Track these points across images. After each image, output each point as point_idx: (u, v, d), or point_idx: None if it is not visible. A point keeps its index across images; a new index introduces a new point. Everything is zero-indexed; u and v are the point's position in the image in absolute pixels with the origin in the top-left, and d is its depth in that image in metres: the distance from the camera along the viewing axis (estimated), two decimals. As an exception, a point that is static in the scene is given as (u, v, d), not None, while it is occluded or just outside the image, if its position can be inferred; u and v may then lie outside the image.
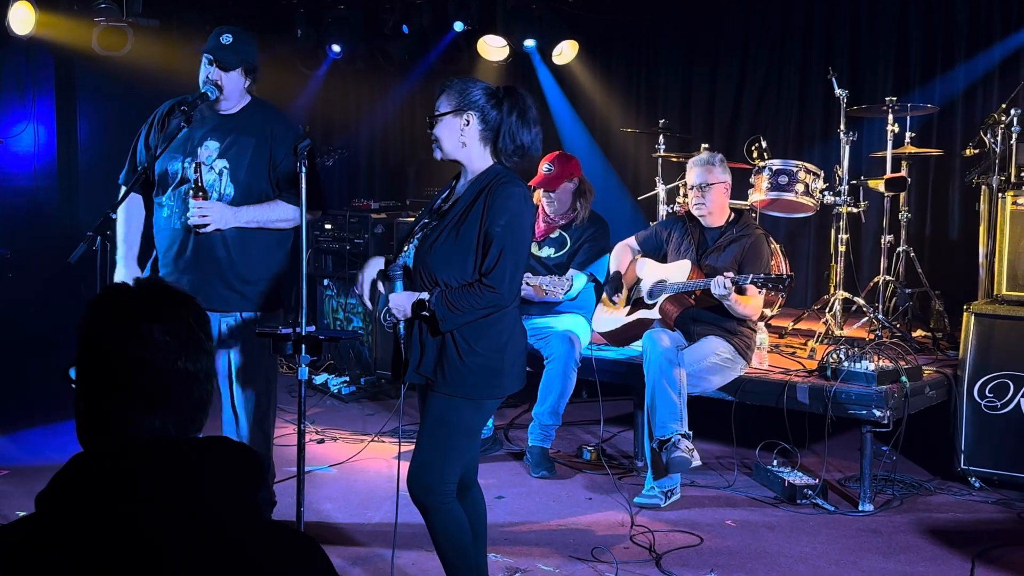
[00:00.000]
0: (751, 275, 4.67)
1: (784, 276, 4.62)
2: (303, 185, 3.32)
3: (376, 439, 5.96)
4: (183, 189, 4.02)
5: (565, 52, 8.02)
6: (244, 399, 4.14)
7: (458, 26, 7.74)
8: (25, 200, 8.14)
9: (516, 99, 3.33)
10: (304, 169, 3.31)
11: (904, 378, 4.86)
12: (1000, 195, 5.21)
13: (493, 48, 8.09)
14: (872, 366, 4.86)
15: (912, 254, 6.13)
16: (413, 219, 6.98)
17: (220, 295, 4.06)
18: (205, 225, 3.92)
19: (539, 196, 5.49)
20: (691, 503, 4.92)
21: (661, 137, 6.67)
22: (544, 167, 5.46)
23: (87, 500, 1.41)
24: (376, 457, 5.68)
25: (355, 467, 5.51)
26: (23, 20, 7.17)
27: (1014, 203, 5.15)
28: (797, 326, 6.24)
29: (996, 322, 5.13)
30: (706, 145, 6.42)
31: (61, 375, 2.25)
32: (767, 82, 7.79)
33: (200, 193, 3.90)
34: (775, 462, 5.20)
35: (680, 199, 6.35)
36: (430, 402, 3.33)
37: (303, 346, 3.24)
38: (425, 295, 3.22)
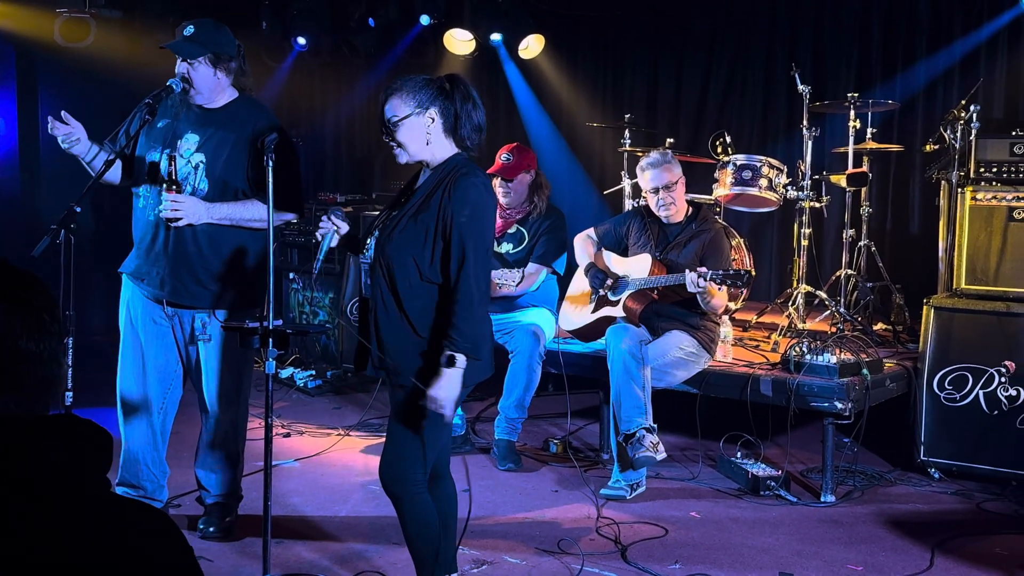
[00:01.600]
0: (710, 271, 4.70)
1: (743, 272, 4.66)
2: (269, 179, 3.30)
3: (344, 433, 5.96)
4: (157, 181, 4.01)
5: (531, 46, 8.04)
6: (216, 396, 4.14)
7: (424, 19, 7.74)
8: (-14, 192, 8.06)
9: (460, 85, 3.37)
10: (271, 163, 3.30)
11: (865, 371, 4.93)
12: (960, 191, 5.29)
13: (459, 42, 8.09)
14: (834, 359, 4.92)
15: (873, 248, 6.21)
16: (378, 213, 7.01)
17: (190, 290, 4.06)
18: (177, 219, 3.91)
19: (496, 187, 5.48)
20: (656, 495, 4.96)
21: (627, 132, 6.70)
22: (502, 156, 5.49)
23: None
24: (343, 450, 5.68)
25: (322, 460, 5.50)
26: (-17, 11, 7.11)
27: (973, 198, 5.23)
28: (760, 319, 6.31)
29: (955, 315, 5.22)
30: (671, 140, 6.45)
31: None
32: (732, 77, 7.85)
33: (173, 186, 3.89)
34: (739, 454, 5.26)
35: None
36: (396, 393, 3.34)
37: (270, 340, 3.23)
38: (445, 359, 3.20)
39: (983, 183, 5.23)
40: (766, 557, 4.24)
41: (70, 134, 3.91)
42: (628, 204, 6.55)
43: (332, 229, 3.43)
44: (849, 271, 6.01)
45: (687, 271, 4.71)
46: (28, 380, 1.50)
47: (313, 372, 7.16)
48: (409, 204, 3.34)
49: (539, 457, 5.59)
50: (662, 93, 8.14)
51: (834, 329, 5.83)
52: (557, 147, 7.94)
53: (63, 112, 3.95)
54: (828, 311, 6.00)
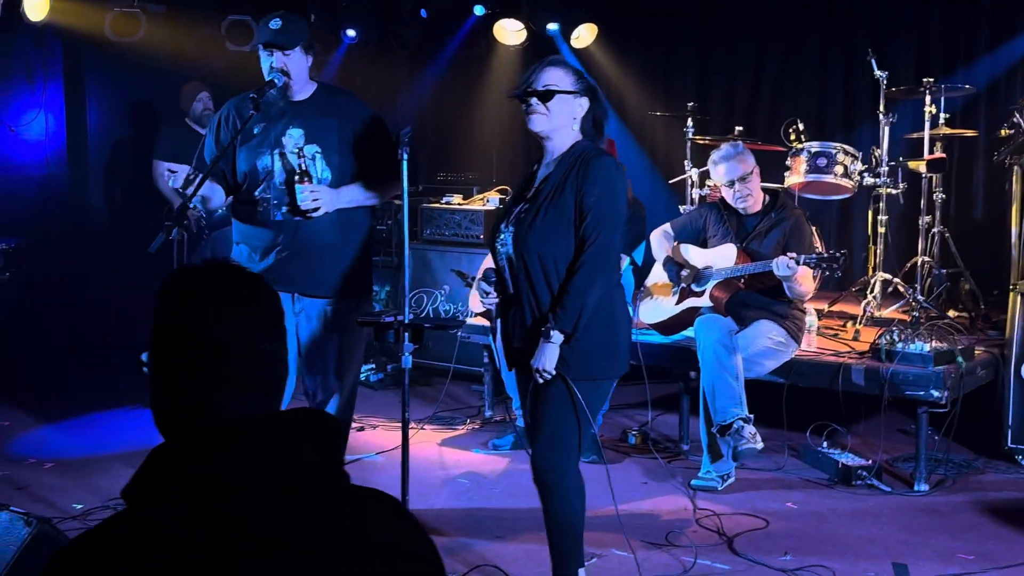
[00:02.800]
0: (803, 255, 4.65)
1: (839, 254, 4.61)
2: (405, 173, 3.28)
3: (419, 427, 5.93)
4: (277, 181, 3.98)
5: (583, 35, 7.98)
6: (334, 382, 4.12)
7: (479, 10, 7.68)
8: (36, 189, 8.01)
9: (600, 93, 3.44)
10: (406, 156, 3.27)
11: (960, 358, 4.88)
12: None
13: (510, 32, 8.03)
14: (927, 347, 4.87)
15: (947, 235, 6.16)
16: (449, 205, 6.99)
17: (323, 281, 4.07)
18: (316, 209, 3.88)
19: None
20: (747, 486, 4.92)
21: (690, 120, 6.65)
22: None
23: (176, 490, 1.36)
24: (420, 443, 5.65)
25: (396, 455, 5.45)
26: (37, 6, 7.05)
27: (1059, 183, 5.17)
28: (833, 308, 6.25)
29: (1043, 301, 5.17)
30: (740, 128, 6.40)
31: (135, 362, 2.20)
32: (786, 63, 7.79)
33: (306, 178, 3.87)
34: (824, 444, 5.22)
35: (711, 182, 6.34)
36: (550, 388, 3.30)
37: (406, 334, 3.20)
38: (543, 330, 3.22)
39: (1066, 166, 5.17)
40: (874, 548, 4.20)
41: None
42: (694, 193, 6.49)
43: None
44: (925, 258, 5.96)
45: (781, 256, 4.65)
46: (264, 382, 1.49)
47: (374, 366, 7.12)
48: (543, 194, 3.31)
49: (619, 449, 5.55)
50: (715, 81, 8.08)
51: (910, 317, 5.78)
52: (619, 137, 7.86)
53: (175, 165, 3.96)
54: (903, 299, 5.95)
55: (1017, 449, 5.19)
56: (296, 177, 3.93)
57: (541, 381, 3.26)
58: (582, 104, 3.33)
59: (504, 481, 5.04)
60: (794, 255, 4.64)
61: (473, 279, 6.52)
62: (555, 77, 3.28)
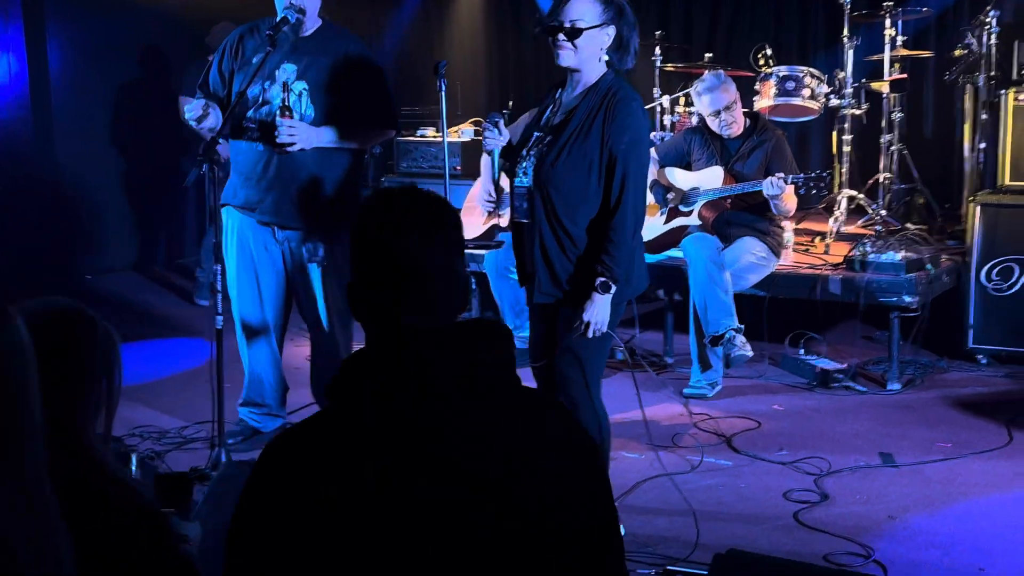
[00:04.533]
0: (791, 175, 4.95)
1: (824, 174, 4.93)
2: (443, 102, 3.47)
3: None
4: (264, 111, 4.11)
5: (545, -34, 8.12)
6: (331, 315, 4.30)
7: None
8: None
9: (629, 8, 3.41)
10: (444, 87, 3.45)
11: (929, 266, 5.25)
12: (1003, 93, 5.57)
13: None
14: (899, 256, 5.23)
15: (904, 152, 6.51)
16: (425, 138, 7.12)
17: (302, 213, 4.19)
18: (292, 143, 4.02)
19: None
20: (734, 392, 5.26)
21: (657, 48, 6.87)
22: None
23: (370, 390, 1.54)
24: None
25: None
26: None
27: (1016, 99, 5.52)
28: (799, 225, 6.58)
29: (1000, 210, 5.55)
30: (709, 55, 6.63)
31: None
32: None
33: (287, 112, 4.01)
34: (801, 352, 5.57)
35: (680, 109, 6.60)
36: (565, 315, 3.44)
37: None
38: (599, 284, 3.33)
39: (1024, 84, 5.52)
40: (860, 441, 4.56)
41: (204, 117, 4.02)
42: (665, 120, 6.73)
43: (501, 142, 3.54)
44: (887, 175, 6.30)
45: (771, 176, 4.94)
46: (451, 298, 1.64)
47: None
48: (568, 130, 3.37)
49: (609, 364, 5.80)
50: (675, 11, 8.28)
51: (873, 231, 6.12)
52: None
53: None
54: (868, 214, 6.29)
55: (978, 349, 5.59)
56: (279, 111, 4.06)
57: (591, 335, 3.36)
58: (609, 33, 3.34)
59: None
60: (782, 175, 4.93)
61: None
62: (581, 11, 3.29)
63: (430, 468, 1.50)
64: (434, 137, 7.24)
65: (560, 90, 3.55)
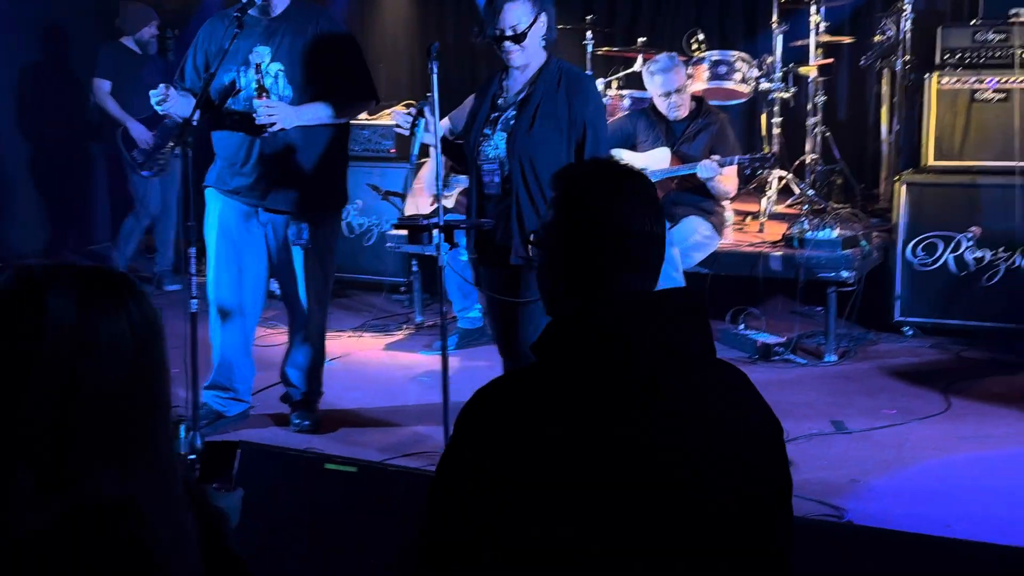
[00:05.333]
0: (738, 157, 5.14)
1: (768, 155, 5.13)
2: (435, 87, 3.52)
3: (357, 335, 6.18)
4: (242, 96, 4.10)
5: (470, -50, 8.16)
6: (311, 297, 4.32)
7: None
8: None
9: None
10: (436, 69, 3.51)
11: (863, 242, 5.50)
12: (926, 77, 5.85)
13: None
14: (835, 233, 5.46)
15: (828, 134, 6.77)
16: (358, 120, 7.07)
17: (288, 195, 4.20)
18: (272, 124, 4.02)
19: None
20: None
21: (589, 33, 6.98)
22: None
23: (579, 349, 1.64)
24: (366, 350, 5.91)
25: (354, 360, 5.71)
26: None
27: (939, 83, 5.80)
28: (732, 206, 6.79)
29: (925, 189, 5.83)
30: (643, 39, 6.78)
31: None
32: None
33: (264, 93, 4.00)
34: (741, 327, 5.78)
35: (612, 92, 6.73)
36: (530, 278, 3.58)
37: (442, 234, 3.47)
38: None
39: (947, 68, 5.80)
40: (809, 409, 4.77)
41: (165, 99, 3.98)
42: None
43: (422, 121, 3.77)
44: (813, 155, 6.55)
45: (709, 158, 5.12)
46: (653, 261, 1.75)
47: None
48: (531, 104, 3.63)
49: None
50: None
51: (799, 210, 6.37)
52: None
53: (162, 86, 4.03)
54: (795, 194, 6.54)
55: (904, 321, 5.88)
56: (255, 93, 4.06)
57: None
58: (543, 21, 3.64)
59: (463, 376, 5.34)
60: (717, 157, 5.12)
61: (388, 192, 6.75)
62: (517, 15, 3.56)
63: (641, 425, 1.59)
64: (367, 120, 7.22)
65: (503, 75, 3.78)
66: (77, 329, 1.35)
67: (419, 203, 6.22)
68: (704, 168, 5.14)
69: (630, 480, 1.56)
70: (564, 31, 7.90)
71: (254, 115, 4.03)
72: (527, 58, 3.63)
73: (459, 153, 3.91)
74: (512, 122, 3.66)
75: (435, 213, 5.85)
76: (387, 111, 7.34)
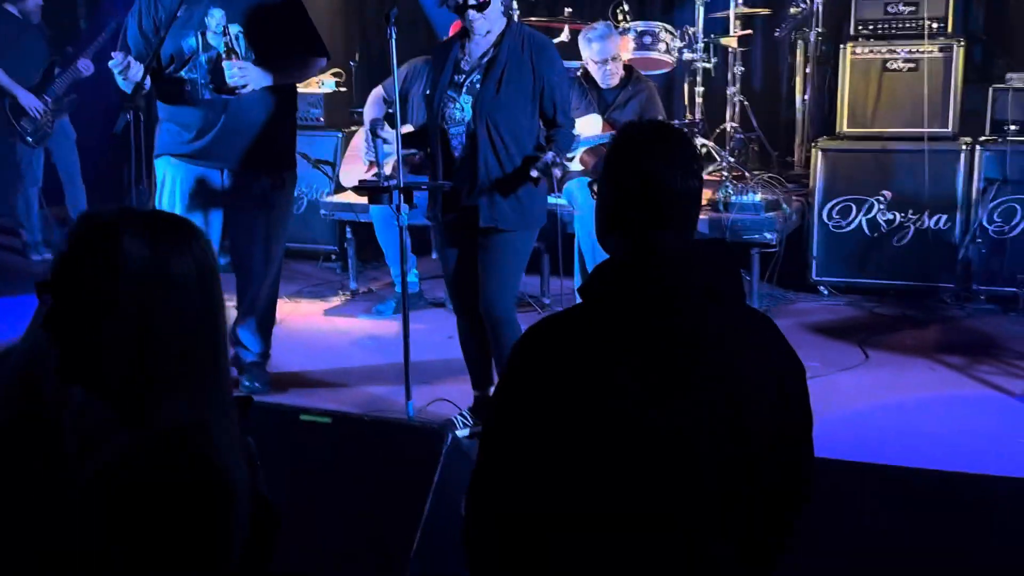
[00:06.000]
0: (674, 123, 5.35)
1: (698, 121, 5.34)
2: (393, 53, 3.62)
3: (295, 301, 6.25)
4: (203, 59, 4.14)
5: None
6: (266, 258, 4.40)
7: None
8: None
9: None
10: (394, 34, 3.61)
11: (784, 206, 5.78)
12: (842, 47, 6.14)
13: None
14: (759, 197, 5.72)
15: (745, 103, 7.04)
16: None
17: (252, 156, 4.28)
18: (244, 85, 4.08)
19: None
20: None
21: (515, 2, 7.10)
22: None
23: (623, 291, 1.81)
24: (305, 315, 5.99)
25: (295, 325, 5.78)
26: None
27: (853, 53, 6.09)
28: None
29: (839, 155, 6.15)
30: (569, 10, 6.94)
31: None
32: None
33: (233, 55, 4.05)
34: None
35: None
36: (500, 240, 3.82)
37: (401, 196, 3.60)
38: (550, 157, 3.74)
39: (860, 39, 6.10)
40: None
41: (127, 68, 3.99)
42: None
43: (379, 141, 4.01)
44: (733, 124, 6.81)
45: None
46: (691, 216, 1.91)
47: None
48: (497, 67, 3.77)
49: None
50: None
51: (720, 177, 6.62)
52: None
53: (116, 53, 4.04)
54: (716, 160, 6.79)
55: (820, 281, 6.20)
56: (223, 54, 4.12)
57: (557, 172, 3.77)
58: None
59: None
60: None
61: (318, 161, 6.81)
62: None
63: (684, 359, 1.76)
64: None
65: (461, 42, 3.91)
66: (150, 267, 1.46)
67: (353, 171, 6.30)
68: None
69: (674, 407, 1.73)
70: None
71: (227, 76, 4.06)
72: (490, 25, 3.77)
73: (420, 137, 4.05)
74: (478, 86, 3.80)
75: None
76: (315, 79, 7.38)
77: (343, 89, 7.50)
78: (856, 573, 2.91)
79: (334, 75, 7.35)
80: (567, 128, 3.93)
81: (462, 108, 3.81)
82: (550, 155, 3.74)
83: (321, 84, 7.26)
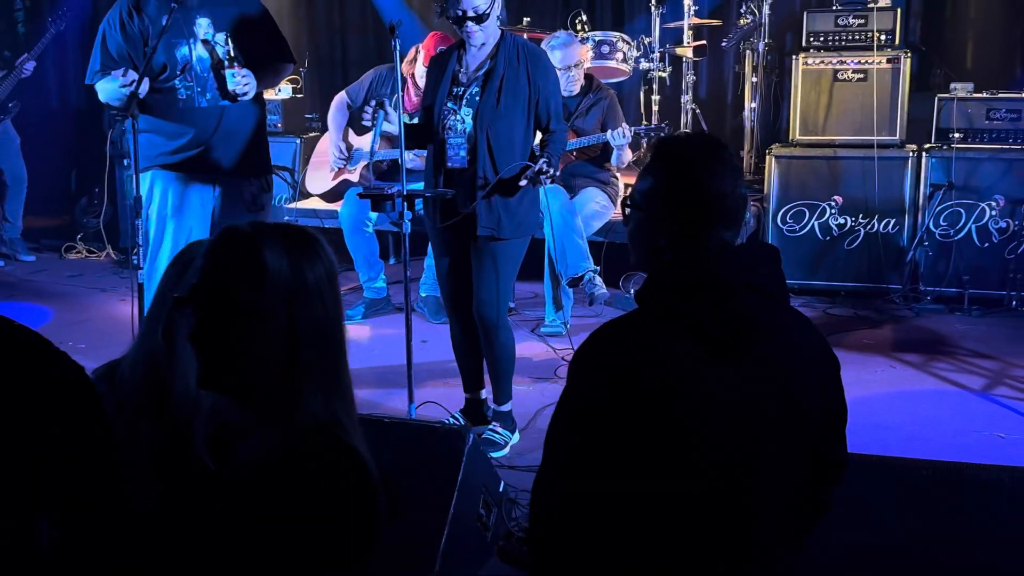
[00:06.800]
0: (635, 127, 5.51)
1: (664, 125, 5.52)
2: (397, 64, 3.70)
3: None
4: (199, 68, 4.18)
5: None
6: None
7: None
8: None
9: None
10: (397, 45, 3.68)
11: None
12: (794, 58, 6.38)
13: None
14: (720, 202, 5.90)
15: (698, 111, 7.24)
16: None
17: (244, 162, 4.32)
18: (246, 93, 4.13)
19: (414, 71, 5.89)
20: (584, 329, 5.76)
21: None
22: (440, 48, 5.87)
23: (681, 292, 1.91)
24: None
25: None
26: None
27: (805, 63, 6.33)
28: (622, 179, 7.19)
29: (792, 161, 6.38)
30: (527, 19, 7.07)
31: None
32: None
33: (236, 63, 4.09)
34: (632, 291, 6.17)
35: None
36: (495, 247, 3.92)
37: (404, 203, 3.67)
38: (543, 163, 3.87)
39: (812, 50, 6.34)
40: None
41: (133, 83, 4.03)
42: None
43: (381, 113, 4.01)
44: (687, 131, 7.00)
45: (620, 127, 5.48)
46: (741, 217, 2.02)
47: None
48: (495, 80, 3.88)
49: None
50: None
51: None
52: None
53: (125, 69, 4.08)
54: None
55: (775, 283, 6.41)
56: (226, 63, 4.17)
57: (546, 181, 3.89)
58: (497, 3, 3.90)
59: (379, 344, 5.56)
60: (626, 126, 5.48)
61: (277, 167, 6.84)
62: (475, 2, 3.80)
63: (739, 355, 1.87)
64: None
65: (458, 53, 4.02)
66: (290, 276, 1.55)
67: (318, 177, 6.35)
68: (617, 135, 5.49)
69: (733, 400, 1.86)
70: (436, 12, 8.15)
71: (231, 84, 4.11)
72: (486, 37, 3.88)
73: (419, 135, 4.11)
74: (478, 98, 3.91)
75: (340, 186, 6.08)
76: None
77: (300, 96, 7.53)
78: (841, 559, 3.09)
79: (290, 82, 7.38)
80: (559, 134, 4.04)
81: (463, 120, 3.91)
82: (542, 162, 3.86)
83: (278, 91, 7.27)
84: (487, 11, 3.82)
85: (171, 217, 4.30)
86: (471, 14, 3.80)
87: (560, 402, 1.92)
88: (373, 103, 3.99)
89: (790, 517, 2.01)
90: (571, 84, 5.75)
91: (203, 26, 4.22)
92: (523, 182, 3.87)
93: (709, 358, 1.86)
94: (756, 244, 2.17)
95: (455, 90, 3.96)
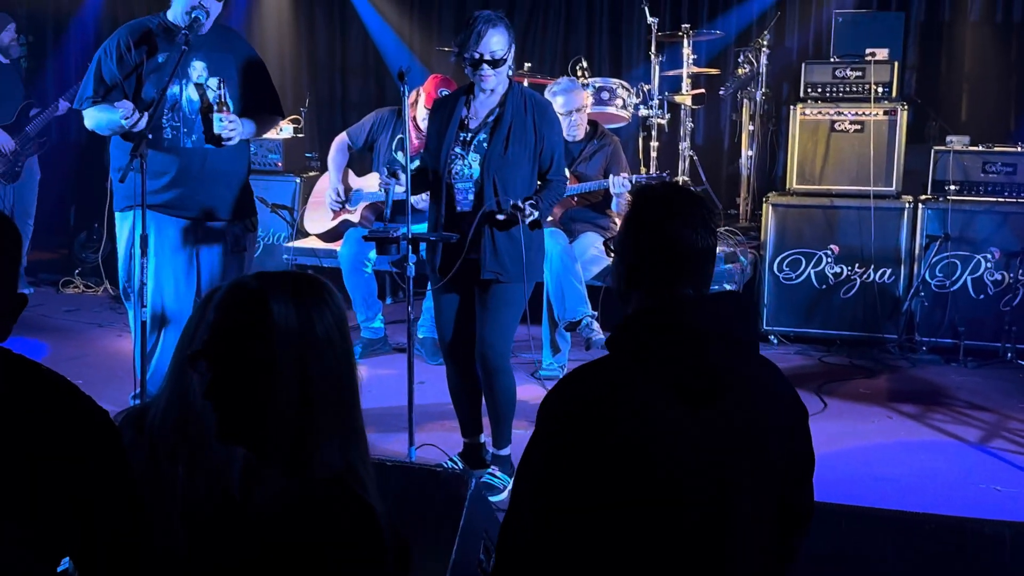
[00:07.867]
0: (635, 175, 5.56)
1: (664, 174, 5.56)
2: (405, 108, 3.73)
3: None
4: (187, 110, 4.22)
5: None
6: None
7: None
8: None
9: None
10: (406, 91, 3.71)
11: (742, 258, 6.01)
12: (791, 108, 6.45)
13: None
14: (719, 249, 5.94)
15: (695, 157, 7.30)
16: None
17: (226, 205, 4.35)
18: (231, 138, 4.16)
19: (415, 113, 5.94)
20: (580, 373, 5.78)
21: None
22: (441, 91, 5.93)
23: (651, 340, 1.93)
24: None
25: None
26: None
27: (802, 114, 6.40)
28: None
29: (789, 210, 6.43)
30: (528, 64, 7.14)
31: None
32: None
33: (225, 108, 4.13)
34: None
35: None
36: (499, 291, 3.94)
37: (409, 246, 3.69)
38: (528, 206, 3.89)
39: (810, 101, 6.42)
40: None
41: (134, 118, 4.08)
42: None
43: (393, 181, 4.06)
44: (685, 177, 7.06)
45: (621, 174, 5.52)
46: (706, 273, 2.04)
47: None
48: (503, 127, 3.92)
49: (452, 352, 6.21)
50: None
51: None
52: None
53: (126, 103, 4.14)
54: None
55: (771, 330, 6.44)
56: (216, 107, 4.21)
57: (528, 216, 3.87)
58: (512, 52, 3.96)
59: (376, 385, 5.55)
60: (627, 175, 5.52)
61: (276, 205, 6.88)
62: (499, 42, 3.84)
63: (709, 402, 1.89)
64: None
65: (467, 97, 4.04)
66: (300, 327, 1.56)
67: (316, 216, 6.37)
68: (619, 183, 5.53)
69: (703, 447, 1.87)
70: (452, 54, 8.22)
71: (217, 128, 4.15)
72: (498, 83, 3.92)
73: (422, 179, 4.14)
74: (486, 144, 3.95)
75: (340, 226, 6.11)
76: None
77: (301, 135, 7.57)
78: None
79: (292, 121, 7.43)
80: (557, 184, 4.08)
81: (470, 165, 3.95)
82: (528, 203, 3.87)
83: (280, 130, 7.32)
84: (504, 57, 3.86)
85: (152, 258, 4.31)
86: (488, 58, 3.83)
87: (529, 444, 1.93)
88: (384, 171, 4.05)
89: (760, 565, 2.01)
90: (574, 129, 5.80)
91: (197, 69, 4.28)
92: (500, 216, 3.87)
93: (681, 404, 1.87)
94: (727, 294, 2.18)
95: (462, 135, 3.99)
